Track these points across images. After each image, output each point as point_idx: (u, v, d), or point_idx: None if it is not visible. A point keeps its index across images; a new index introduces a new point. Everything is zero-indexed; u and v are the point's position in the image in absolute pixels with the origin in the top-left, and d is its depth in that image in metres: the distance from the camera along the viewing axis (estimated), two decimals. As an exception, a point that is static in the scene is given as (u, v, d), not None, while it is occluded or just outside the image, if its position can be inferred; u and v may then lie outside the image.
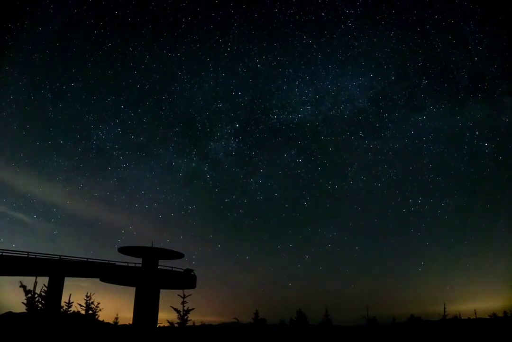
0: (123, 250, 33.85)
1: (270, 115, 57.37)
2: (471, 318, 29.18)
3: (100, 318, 20.77)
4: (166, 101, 56.40)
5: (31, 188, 54.93)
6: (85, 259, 31.65)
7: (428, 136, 56.52)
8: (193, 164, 58.00)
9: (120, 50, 52.57)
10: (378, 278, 59.89)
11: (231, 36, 53.96)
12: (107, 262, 32.41)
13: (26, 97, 52.14)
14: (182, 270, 34.47)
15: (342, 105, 57.05)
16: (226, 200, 58.72)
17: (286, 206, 60.37)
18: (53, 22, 49.02)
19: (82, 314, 18.89)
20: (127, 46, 52.58)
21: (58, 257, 30.05)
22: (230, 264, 61.93)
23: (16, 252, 28.07)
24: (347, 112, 57.52)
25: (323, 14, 53.89)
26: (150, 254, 33.42)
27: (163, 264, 34.15)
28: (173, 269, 34.01)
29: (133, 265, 33.17)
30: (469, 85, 53.96)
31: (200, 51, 54.22)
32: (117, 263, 32.86)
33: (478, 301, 51.93)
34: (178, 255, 35.33)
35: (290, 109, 57.77)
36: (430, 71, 54.82)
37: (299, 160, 59.68)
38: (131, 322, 29.87)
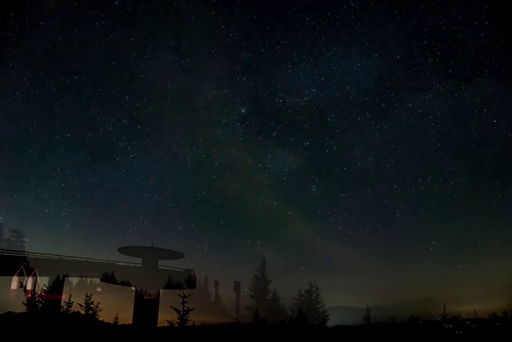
0: (123, 250, 33.89)
1: (276, 99, 57.62)
2: (471, 318, 29.15)
3: (100, 318, 20.70)
4: (170, 89, 56.80)
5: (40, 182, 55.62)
6: (85, 259, 31.67)
7: (435, 115, 55.68)
8: (201, 151, 58.72)
9: (122, 40, 52.51)
10: (382, 271, 60.05)
11: (233, 21, 53.19)
12: (107, 262, 32.44)
13: (31, 93, 52.37)
14: (182, 270, 34.52)
15: (348, 87, 56.82)
16: (235, 186, 59.33)
17: (295, 189, 60.87)
18: (53, 16, 48.91)
19: (82, 314, 18.84)
20: (128, 36, 52.56)
21: (58, 257, 30.06)
22: (235, 255, 62.15)
23: (16, 252, 28.10)
24: (353, 93, 57.09)
25: (324, -5, 53.59)
26: (150, 254, 33.45)
27: (163, 264, 34.23)
28: (173, 269, 34.07)
29: (133, 265, 33.20)
30: (475, 62, 51.69)
31: (202, 38, 54.45)
32: (117, 263, 32.88)
33: (478, 301, 51.87)
34: (178, 255, 35.37)
35: (296, 92, 57.76)
36: (436, 49, 52.96)
37: (306, 143, 60.06)
38: (131, 322, 29.86)
